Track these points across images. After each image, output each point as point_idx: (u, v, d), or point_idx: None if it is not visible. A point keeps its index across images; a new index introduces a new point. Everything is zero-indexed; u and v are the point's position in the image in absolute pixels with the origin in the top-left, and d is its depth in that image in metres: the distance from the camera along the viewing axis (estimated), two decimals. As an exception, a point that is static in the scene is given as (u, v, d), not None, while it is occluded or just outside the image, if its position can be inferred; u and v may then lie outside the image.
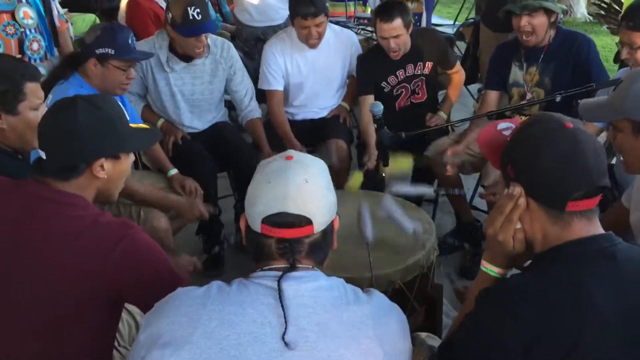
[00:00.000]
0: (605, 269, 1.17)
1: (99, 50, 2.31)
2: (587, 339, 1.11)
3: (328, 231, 1.22)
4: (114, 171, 1.50)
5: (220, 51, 3.00)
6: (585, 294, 1.13)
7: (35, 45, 2.87)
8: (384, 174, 2.33)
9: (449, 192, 2.88)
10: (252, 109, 3.15)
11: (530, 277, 1.22)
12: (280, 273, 1.15)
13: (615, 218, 1.82)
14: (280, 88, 3.23)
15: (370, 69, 3.13)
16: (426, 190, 2.42)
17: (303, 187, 1.17)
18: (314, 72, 3.23)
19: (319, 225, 1.18)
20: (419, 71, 3.14)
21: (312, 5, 2.98)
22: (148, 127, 1.81)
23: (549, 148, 1.18)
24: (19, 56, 2.76)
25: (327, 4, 3.16)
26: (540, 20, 2.67)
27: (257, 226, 1.18)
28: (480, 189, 2.71)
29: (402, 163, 2.40)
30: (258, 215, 1.17)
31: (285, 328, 1.08)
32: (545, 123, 1.23)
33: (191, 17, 2.70)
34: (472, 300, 1.28)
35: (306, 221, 1.16)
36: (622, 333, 1.13)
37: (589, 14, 8.01)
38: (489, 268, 1.33)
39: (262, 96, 3.30)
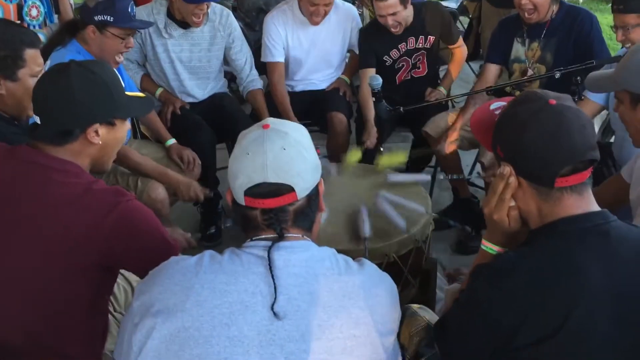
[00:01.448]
0: (598, 246, 1.18)
1: (98, 17, 2.29)
2: (577, 314, 1.13)
3: (313, 196, 1.22)
4: (109, 138, 1.50)
5: (219, 18, 2.98)
6: (576, 270, 1.15)
7: (34, 12, 2.84)
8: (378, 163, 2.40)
9: (449, 177, 2.89)
10: (253, 79, 3.14)
11: (522, 253, 1.23)
12: (269, 243, 1.16)
13: (614, 191, 1.83)
14: (282, 60, 3.21)
15: (372, 42, 3.11)
16: (421, 177, 2.48)
17: (281, 155, 1.16)
18: (315, 46, 3.21)
19: (302, 191, 1.18)
20: (421, 44, 3.11)
21: None
22: (143, 95, 1.81)
23: (533, 126, 1.19)
24: (18, 22, 2.72)
25: None
26: None
27: (241, 199, 1.19)
28: (481, 173, 2.72)
29: (396, 157, 2.49)
30: (240, 188, 1.18)
31: (275, 298, 1.10)
32: (530, 101, 1.23)
33: None
34: (469, 277, 1.31)
35: (287, 189, 1.17)
36: (611, 311, 1.14)
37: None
38: (488, 246, 1.35)
39: (262, 68, 3.29)
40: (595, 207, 1.23)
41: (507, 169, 1.24)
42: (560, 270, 1.15)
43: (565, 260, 1.16)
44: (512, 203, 1.26)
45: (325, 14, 3.10)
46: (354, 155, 2.52)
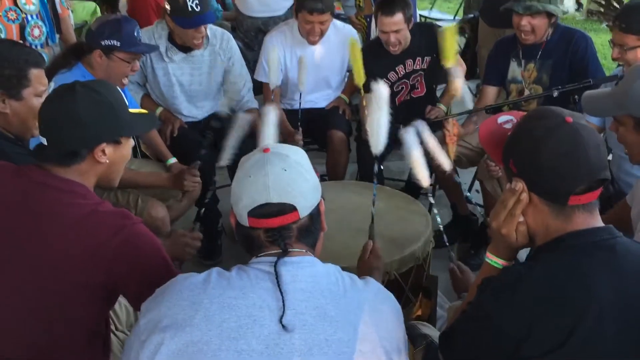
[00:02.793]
0: (604, 261, 1.19)
1: (105, 42, 2.32)
2: (584, 327, 1.14)
3: (315, 214, 1.25)
4: (116, 156, 1.51)
5: (220, 42, 3.01)
6: (583, 284, 1.16)
7: (36, 31, 2.87)
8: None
9: (447, 180, 2.88)
10: (248, 100, 3.16)
11: (530, 266, 1.24)
12: (275, 258, 1.18)
13: (618, 217, 1.85)
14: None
15: (369, 66, 3.13)
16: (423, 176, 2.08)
17: (282, 176, 1.20)
18: (314, 67, 3.22)
19: (303, 209, 1.21)
20: (418, 66, 3.14)
21: (320, 1, 2.98)
22: (146, 112, 1.83)
23: (551, 144, 1.19)
24: (20, 42, 2.75)
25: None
26: (541, 21, 2.68)
27: (244, 220, 1.21)
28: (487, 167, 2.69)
29: None
30: (243, 209, 1.20)
31: (283, 311, 1.11)
32: (546, 118, 1.24)
33: (190, 9, 2.70)
34: (474, 290, 1.31)
35: (290, 208, 1.20)
36: (617, 325, 1.15)
37: (588, 11, 8.02)
38: (494, 260, 1.36)
39: (258, 88, 3.30)
40: (601, 224, 1.24)
41: (519, 185, 1.24)
42: (567, 284, 1.16)
43: (572, 273, 1.17)
44: (521, 218, 1.27)
45: (322, 33, 3.12)
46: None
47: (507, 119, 1.40)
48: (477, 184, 3.29)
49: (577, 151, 1.19)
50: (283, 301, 1.12)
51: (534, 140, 1.22)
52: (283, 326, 1.10)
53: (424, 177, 1.96)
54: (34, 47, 2.83)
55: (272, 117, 1.97)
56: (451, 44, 2.66)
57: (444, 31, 2.77)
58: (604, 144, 1.26)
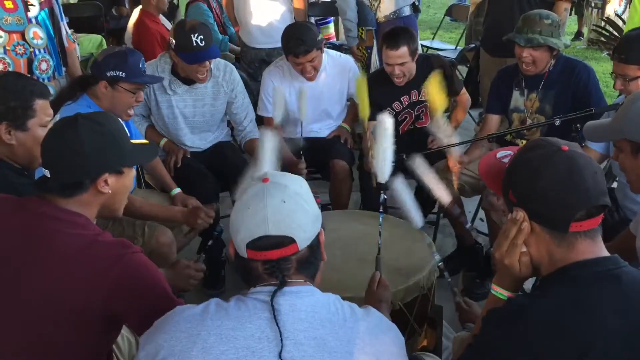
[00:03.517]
0: (610, 291, 1.18)
1: (110, 73, 2.35)
2: (591, 358, 1.12)
3: (314, 245, 1.24)
4: (118, 186, 1.53)
5: (223, 74, 3.05)
6: (589, 314, 1.15)
7: (44, 65, 2.91)
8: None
9: (449, 212, 2.87)
10: (250, 131, 3.19)
11: (534, 298, 1.23)
12: (274, 288, 1.17)
13: (623, 246, 1.84)
14: None
15: (374, 95, 3.16)
16: (416, 217, 2.01)
17: (281, 208, 1.19)
18: (313, 99, 3.23)
19: (302, 241, 1.20)
20: (424, 97, 3.15)
21: (302, 44, 3.01)
22: (147, 142, 1.85)
23: (548, 172, 1.21)
24: (28, 75, 2.79)
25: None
26: (543, 54, 2.70)
27: (243, 252, 1.21)
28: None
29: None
30: (242, 241, 1.20)
31: (282, 346, 1.10)
32: (542, 148, 1.25)
33: (194, 44, 2.74)
34: (480, 323, 1.30)
35: (289, 240, 1.19)
36: (624, 354, 1.14)
37: (589, 40, 8.10)
38: (498, 291, 1.35)
39: (260, 118, 3.34)
40: (606, 253, 1.24)
41: (520, 214, 1.25)
42: (573, 314, 1.15)
43: (578, 304, 1.16)
44: (524, 249, 1.27)
45: (315, 69, 3.14)
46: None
47: (505, 154, 1.42)
48: (481, 213, 3.28)
49: (574, 178, 1.19)
50: (281, 335, 1.10)
51: (531, 169, 1.23)
52: None
53: (417, 220, 1.96)
54: (41, 80, 2.87)
55: (270, 142, 1.96)
56: (436, 91, 2.66)
57: (428, 80, 2.77)
58: (601, 171, 1.26)
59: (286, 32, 3.14)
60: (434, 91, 2.63)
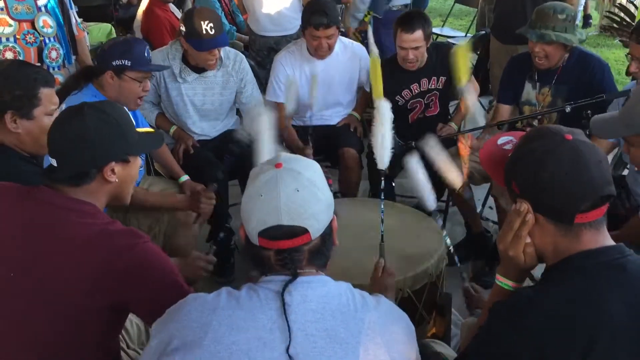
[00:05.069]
0: (615, 280, 1.17)
1: (116, 62, 2.36)
2: (598, 348, 1.12)
3: (327, 234, 1.22)
4: (124, 174, 1.53)
5: (233, 63, 3.05)
6: (595, 305, 1.14)
7: (53, 54, 2.92)
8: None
9: (459, 197, 2.85)
10: None
11: (541, 289, 1.22)
12: (287, 278, 1.16)
13: (633, 232, 1.83)
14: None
15: (384, 83, 3.14)
16: (430, 198, 1.97)
17: (294, 198, 1.16)
18: (324, 84, 3.24)
19: (315, 231, 1.18)
20: (433, 86, 3.15)
21: (325, 16, 3.01)
22: (153, 130, 1.85)
23: (551, 164, 1.18)
24: (38, 64, 2.80)
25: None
26: (556, 49, 2.67)
27: (254, 239, 1.19)
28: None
29: None
30: (254, 230, 1.18)
31: (290, 341, 1.09)
32: (545, 137, 1.23)
33: (204, 32, 2.75)
34: (486, 313, 1.29)
35: (302, 230, 1.17)
36: (631, 345, 1.13)
37: (601, 26, 8.00)
38: (504, 282, 1.34)
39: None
40: (611, 242, 1.22)
41: (524, 206, 1.23)
42: (579, 305, 1.14)
43: (584, 294, 1.15)
44: (528, 240, 1.26)
45: (330, 47, 3.14)
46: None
47: (506, 140, 1.39)
48: (490, 201, 3.27)
49: (579, 168, 1.17)
50: (289, 330, 1.10)
51: (534, 161, 1.21)
52: (289, 356, 1.08)
53: (430, 201, 1.92)
54: (51, 69, 2.88)
55: (266, 124, 1.90)
56: (463, 64, 2.66)
57: (456, 50, 2.78)
58: (606, 159, 1.24)
59: (310, 4, 3.15)
60: (462, 61, 2.61)
